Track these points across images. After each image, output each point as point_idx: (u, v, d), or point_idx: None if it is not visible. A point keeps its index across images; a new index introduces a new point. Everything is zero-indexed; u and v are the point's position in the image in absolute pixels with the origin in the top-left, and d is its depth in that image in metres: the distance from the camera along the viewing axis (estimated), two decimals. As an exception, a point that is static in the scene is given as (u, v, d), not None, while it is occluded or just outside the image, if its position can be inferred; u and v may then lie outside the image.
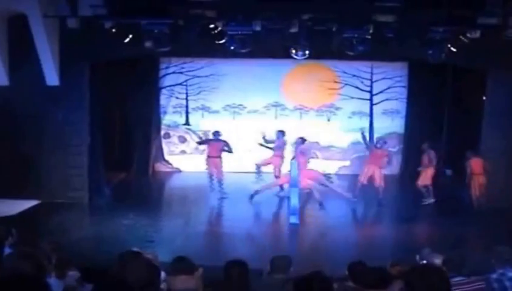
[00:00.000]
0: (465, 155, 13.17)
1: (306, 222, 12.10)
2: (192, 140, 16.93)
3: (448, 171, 15.56)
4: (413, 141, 15.64)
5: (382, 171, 13.29)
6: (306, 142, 13.31)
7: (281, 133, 14.10)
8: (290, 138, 14.23)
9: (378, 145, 13.60)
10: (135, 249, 5.99)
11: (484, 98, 13.43)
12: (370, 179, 13.19)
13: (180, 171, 15.92)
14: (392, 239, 11.31)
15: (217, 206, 13.32)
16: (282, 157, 14.06)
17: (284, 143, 14.08)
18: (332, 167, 15.27)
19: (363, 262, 5.84)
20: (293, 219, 11.66)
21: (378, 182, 13.14)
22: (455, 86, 15.27)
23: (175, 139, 16.88)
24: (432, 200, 13.52)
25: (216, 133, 13.91)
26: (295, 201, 11.78)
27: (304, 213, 12.44)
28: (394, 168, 15.92)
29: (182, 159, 16.41)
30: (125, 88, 15.40)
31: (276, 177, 13.82)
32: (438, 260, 6.05)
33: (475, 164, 13.01)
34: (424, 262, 6.34)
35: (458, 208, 12.85)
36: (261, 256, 7.83)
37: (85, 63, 12.41)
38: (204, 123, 16.97)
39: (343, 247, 10.46)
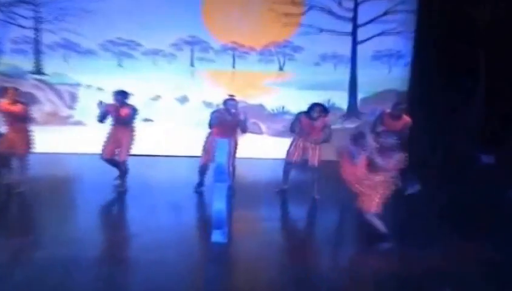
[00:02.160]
0: None
1: (238, 239, 10.83)
2: (49, 102, 15.96)
3: (486, 158, 15.26)
4: (422, 104, 14.90)
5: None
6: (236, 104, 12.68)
7: (233, 101, 12.98)
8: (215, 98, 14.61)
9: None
10: None
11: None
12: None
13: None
14: (380, 268, 9.37)
15: (95, 209, 11.94)
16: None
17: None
18: (283, 146, 13.48)
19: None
20: (217, 236, 10.40)
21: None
22: (500, 14, 14.40)
23: (17, 98, 16.21)
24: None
25: (122, 94, 13.08)
26: (219, 205, 10.46)
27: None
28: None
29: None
30: None
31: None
32: None
33: None
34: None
35: (503, 215, 11.84)
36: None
37: None
38: (68, 72, 15.82)
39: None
